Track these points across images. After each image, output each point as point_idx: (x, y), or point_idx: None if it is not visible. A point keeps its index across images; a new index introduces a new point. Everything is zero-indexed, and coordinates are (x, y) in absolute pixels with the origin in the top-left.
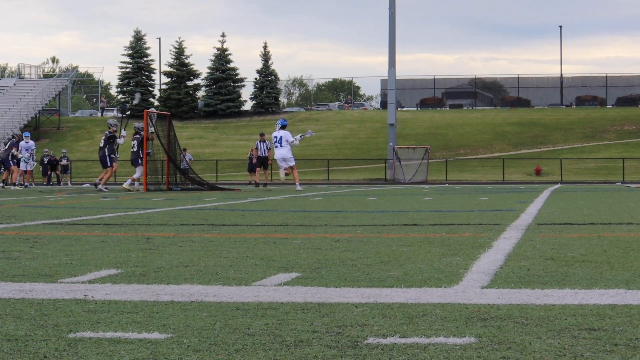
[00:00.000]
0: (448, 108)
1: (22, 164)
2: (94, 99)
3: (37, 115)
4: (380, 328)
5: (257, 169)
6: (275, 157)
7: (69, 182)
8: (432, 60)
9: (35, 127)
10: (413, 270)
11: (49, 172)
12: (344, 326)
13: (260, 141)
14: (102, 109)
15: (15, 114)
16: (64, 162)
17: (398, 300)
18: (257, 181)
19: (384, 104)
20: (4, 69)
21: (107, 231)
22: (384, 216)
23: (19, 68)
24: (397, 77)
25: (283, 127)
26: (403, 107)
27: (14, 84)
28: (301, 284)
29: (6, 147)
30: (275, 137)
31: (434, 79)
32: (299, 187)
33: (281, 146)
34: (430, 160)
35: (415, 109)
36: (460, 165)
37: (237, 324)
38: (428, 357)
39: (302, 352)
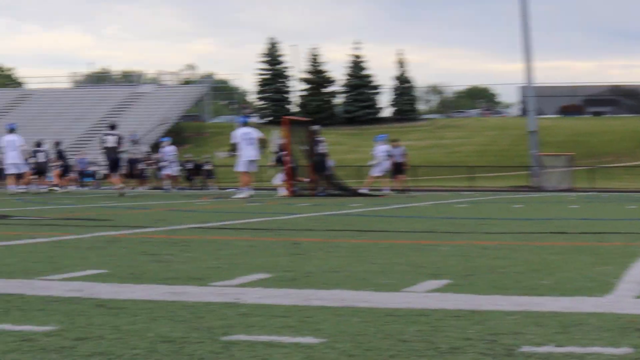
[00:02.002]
0: (590, 115)
1: (166, 169)
2: (233, 105)
3: (178, 122)
4: (535, 337)
5: (396, 176)
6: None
7: (215, 187)
8: (570, 68)
9: (177, 133)
10: (564, 278)
11: (192, 177)
12: (498, 334)
13: (394, 147)
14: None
15: (156, 120)
16: (208, 167)
17: (551, 309)
18: (398, 188)
19: (523, 111)
20: (142, 75)
21: (255, 236)
22: (531, 224)
23: (157, 75)
24: (536, 85)
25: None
26: (543, 115)
27: (153, 91)
28: (452, 290)
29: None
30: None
31: (574, 86)
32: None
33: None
34: (574, 168)
35: (556, 116)
36: (605, 173)
37: (390, 330)
38: None
39: (456, 359)
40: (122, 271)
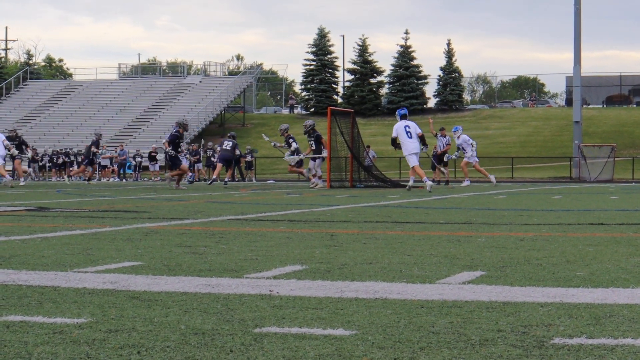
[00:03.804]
0: (635, 105)
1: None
2: (278, 96)
3: (223, 112)
4: (567, 328)
5: (438, 166)
6: (411, 151)
7: (253, 179)
8: (618, 57)
9: (220, 124)
10: (600, 270)
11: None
12: (530, 325)
13: (441, 136)
14: (292, 107)
15: (201, 110)
16: (249, 158)
17: (584, 301)
18: (439, 179)
19: (569, 102)
20: (190, 66)
21: (292, 227)
22: (570, 215)
23: (204, 66)
24: (582, 74)
25: (404, 117)
26: (588, 105)
27: (200, 82)
28: (486, 282)
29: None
30: (408, 126)
31: (620, 75)
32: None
33: (410, 138)
34: (616, 159)
35: (601, 106)
36: None
37: (421, 322)
38: (615, 359)
39: (487, 351)
40: (157, 263)
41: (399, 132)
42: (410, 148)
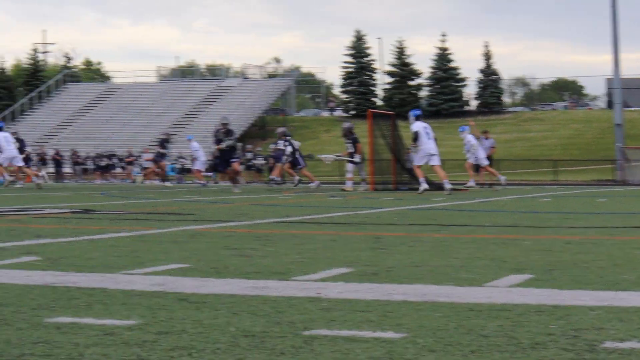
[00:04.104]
0: None
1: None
2: (318, 99)
3: (263, 115)
4: (617, 332)
5: (481, 169)
6: (428, 152)
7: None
8: None
9: (261, 127)
10: None
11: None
12: (580, 329)
13: (484, 138)
14: (332, 109)
15: (241, 113)
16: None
17: (634, 304)
18: (482, 181)
19: (609, 104)
20: (229, 69)
21: (337, 230)
22: (615, 218)
23: (242, 68)
24: (622, 76)
25: (419, 118)
26: (630, 107)
27: (239, 84)
28: (534, 285)
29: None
30: (426, 127)
31: None
32: (449, 186)
33: (430, 139)
34: None
35: None
36: None
37: (471, 325)
38: None
39: (538, 355)
40: (204, 265)
41: (420, 132)
42: (428, 148)
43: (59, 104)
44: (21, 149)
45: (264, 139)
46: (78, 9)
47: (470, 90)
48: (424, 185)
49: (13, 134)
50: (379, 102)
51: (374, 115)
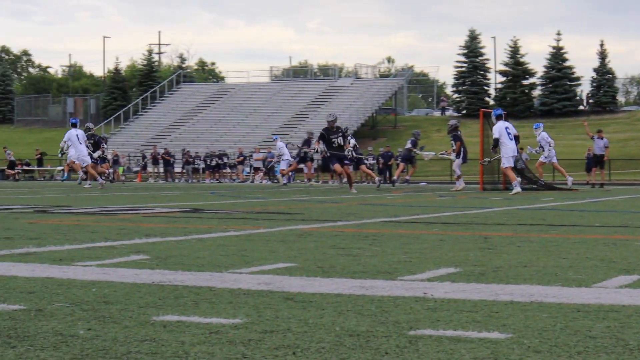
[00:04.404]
0: None
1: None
2: (429, 98)
3: (374, 115)
4: None
5: (593, 169)
6: (511, 153)
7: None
8: None
9: (372, 127)
10: None
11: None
12: None
13: (598, 138)
14: (444, 109)
15: (353, 113)
16: (399, 160)
17: None
18: (593, 181)
19: None
20: (341, 69)
21: (445, 230)
22: None
23: (355, 68)
24: None
25: (500, 118)
26: None
27: (351, 84)
28: None
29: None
30: (508, 127)
31: None
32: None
33: (512, 140)
34: None
35: None
36: None
37: (577, 326)
38: None
39: None
40: (311, 265)
41: (501, 132)
42: (511, 149)
43: (172, 104)
44: (96, 147)
45: (374, 138)
46: (193, 10)
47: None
48: (517, 189)
49: (87, 130)
50: (491, 102)
51: (485, 114)
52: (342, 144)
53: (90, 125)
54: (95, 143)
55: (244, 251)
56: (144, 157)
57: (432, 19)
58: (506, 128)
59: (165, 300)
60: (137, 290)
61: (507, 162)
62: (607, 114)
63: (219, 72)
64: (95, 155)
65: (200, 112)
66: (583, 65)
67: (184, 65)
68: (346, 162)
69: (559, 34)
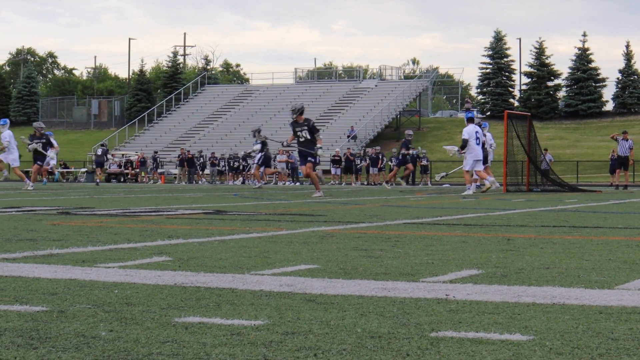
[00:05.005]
0: None
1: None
2: (454, 100)
3: (398, 116)
4: None
5: (617, 170)
6: (477, 157)
7: (429, 182)
8: None
9: (395, 128)
10: None
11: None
12: None
13: (622, 139)
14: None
15: (377, 114)
16: (424, 162)
17: None
18: (617, 183)
19: None
20: (366, 71)
21: (468, 231)
22: None
23: (380, 69)
24: None
25: (471, 121)
26: None
27: (375, 85)
28: None
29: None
30: (477, 132)
31: None
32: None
33: (478, 144)
34: None
35: None
36: None
37: (600, 328)
38: None
39: None
40: (333, 266)
41: (470, 135)
42: (475, 154)
43: (196, 106)
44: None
45: (397, 140)
46: (218, 12)
47: (609, 91)
48: (468, 191)
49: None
50: (516, 103)
51: (510, 116)
52: (309, 137)
53: (37, 124)
54: (48, 142)
55: (266, 253)
56: (154, 159)
57: (457, 20)
58: (476, 132)
59: (187, 301)
60: (159, 292)
61: (467, 165)
62: (632, 115)
63: (244, 74)
64: (51, 154)
65: (225, 113)
66: (608, 67)
67: (208, 67)
68: (310, 159)
69: (584, 35)
